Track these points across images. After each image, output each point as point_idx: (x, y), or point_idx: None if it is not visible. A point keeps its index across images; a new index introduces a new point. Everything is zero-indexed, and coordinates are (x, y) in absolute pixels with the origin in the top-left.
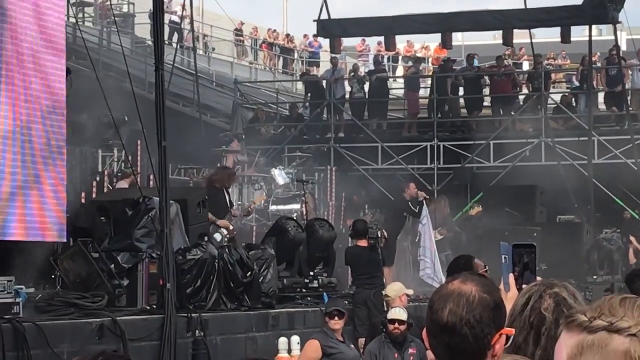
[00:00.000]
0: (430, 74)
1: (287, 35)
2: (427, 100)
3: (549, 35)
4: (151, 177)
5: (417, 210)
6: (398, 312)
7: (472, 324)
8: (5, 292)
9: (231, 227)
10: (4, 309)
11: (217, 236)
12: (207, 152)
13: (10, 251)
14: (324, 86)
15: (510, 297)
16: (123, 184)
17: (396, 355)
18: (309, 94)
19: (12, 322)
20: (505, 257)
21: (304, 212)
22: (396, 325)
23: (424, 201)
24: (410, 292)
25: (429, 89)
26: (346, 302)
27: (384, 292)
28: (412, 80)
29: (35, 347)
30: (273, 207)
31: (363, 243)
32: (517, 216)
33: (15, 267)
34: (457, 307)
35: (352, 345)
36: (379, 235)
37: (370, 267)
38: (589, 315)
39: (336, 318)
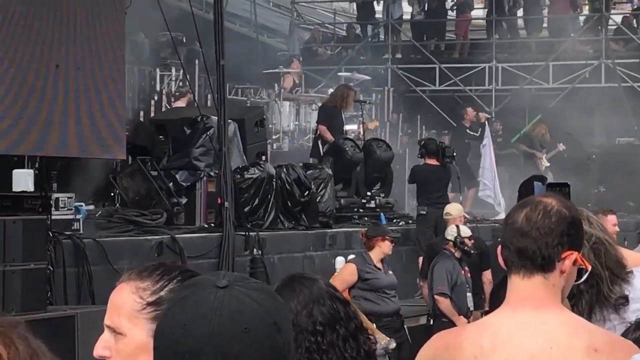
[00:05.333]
0: None
1: None
2: (485, 21)
3: None
4: (209, 96)
5: (478, 134)
6: (468, 230)
7: (545, 230)
8: (66, 208)
9: None
10: (64, 225)
11: None
12: (264, 73)
13: (70, 168)
14: (375, 6)
15: None
16: (180, 103)
17: (463, 272)
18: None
19: (72, 239)
20: None
21: (362, 133)
22: (473, 241)
23: (485, 122)
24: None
25: (486, 10)
26: (402, 222)
27: (445, 211)
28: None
29: (95, 264)
30: None
31: (433, 162)
32: (576, 138)
33: (75, 184)
34: (532, 212)
35: (391, 272)
36: (454, 154)
37: (441, 186)
38: None
39: (392, 244)
